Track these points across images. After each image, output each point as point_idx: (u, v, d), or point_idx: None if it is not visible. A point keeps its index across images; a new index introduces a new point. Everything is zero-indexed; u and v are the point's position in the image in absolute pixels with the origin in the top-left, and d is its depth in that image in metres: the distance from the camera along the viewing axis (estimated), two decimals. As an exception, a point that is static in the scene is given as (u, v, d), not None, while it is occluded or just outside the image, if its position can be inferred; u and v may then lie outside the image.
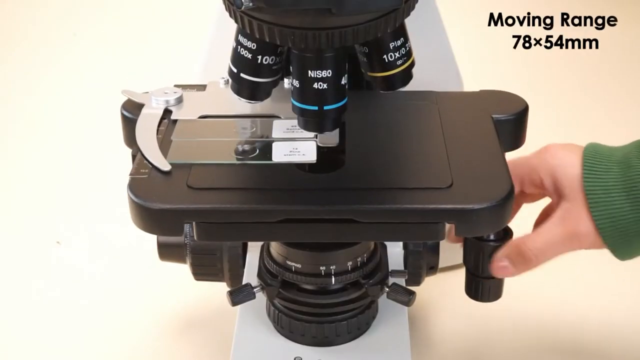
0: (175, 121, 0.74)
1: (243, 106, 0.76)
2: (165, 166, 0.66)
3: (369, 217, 0.62)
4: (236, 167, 0.67)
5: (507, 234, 0.72)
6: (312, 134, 0.70)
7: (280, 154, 0.68)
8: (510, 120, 0.75)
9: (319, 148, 0.69)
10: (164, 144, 0.70)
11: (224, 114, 0.75)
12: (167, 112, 0.75)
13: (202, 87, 0.80)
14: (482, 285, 0.74)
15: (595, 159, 0.70)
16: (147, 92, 0.77)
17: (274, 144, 0.70)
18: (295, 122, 0.69)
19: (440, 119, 0.74)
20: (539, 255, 0.70)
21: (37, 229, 1.09)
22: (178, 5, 1.68)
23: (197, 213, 0.62)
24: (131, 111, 0.76)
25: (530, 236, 0.71)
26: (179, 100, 0.76)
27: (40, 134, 1.35)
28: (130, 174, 0.65)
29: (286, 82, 0.77)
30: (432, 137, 0.72)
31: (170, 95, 0.76)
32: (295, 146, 0.69)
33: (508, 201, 0.63)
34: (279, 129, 0.72)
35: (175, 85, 0.79)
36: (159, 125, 0.73)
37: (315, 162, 0.67)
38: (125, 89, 0.78)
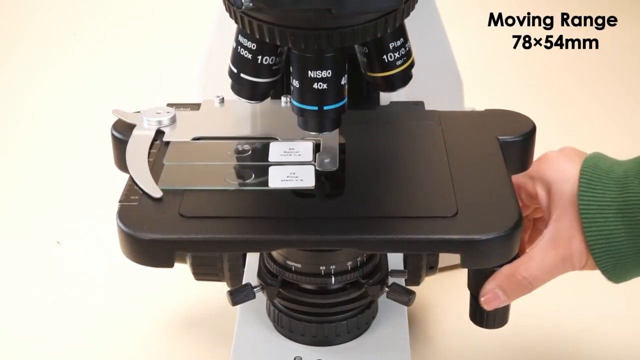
0: (167, 143, 0.71)
1: (238, 127, 0.74)
2: (156, 193, 0.63)
3: (370, 247, 0.61)
4: (231, 193, 0.65)
5: (514, 257, 0.68)
6: (310, 158, 0.69)
7: (277, 179, 0.66)
8: (517, 142, 0.72)
9: (317, 173, 0.67)
10: (156, 168, 0.67)
11: (218, 135, 0.73)
12: (159, 133, 0.72)
13: (196, 107, 0.78)
14: (487, 311, 0.71)
15: (593, 175, 0.66)
16: (138, 112, 0.74)
17: (270, 169, 0.67)
18: (293, 144, 0.68)
19: (444, 142, 0.72)
20: (534, 282, 0.67)
21: (37, 229, 1.09)
22: (178, 5, 1.68)
23: (189, 244, 0.60)
24: (122, 132, 0.73)
25: (522, 263, 0.68)
26: (172, 121, 0.74)
27: (40, 134, 1.35)
28: (120, 201, 0.63)
29: (283, 101, 0.77)
30: (435, 161, 0.69)
31: (163, 115, 0.74)
32: (293, 170, 0.67)
33: (516, 231, 0.60)
34: (276, 151, 0.70)
35: (168, 104, 0.77)
36: (150, 148, 0.70)
37: (313, 187, 0.65)
38: (116, 109, 0.75)
